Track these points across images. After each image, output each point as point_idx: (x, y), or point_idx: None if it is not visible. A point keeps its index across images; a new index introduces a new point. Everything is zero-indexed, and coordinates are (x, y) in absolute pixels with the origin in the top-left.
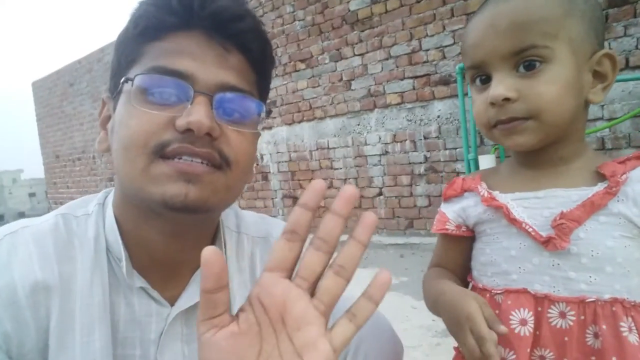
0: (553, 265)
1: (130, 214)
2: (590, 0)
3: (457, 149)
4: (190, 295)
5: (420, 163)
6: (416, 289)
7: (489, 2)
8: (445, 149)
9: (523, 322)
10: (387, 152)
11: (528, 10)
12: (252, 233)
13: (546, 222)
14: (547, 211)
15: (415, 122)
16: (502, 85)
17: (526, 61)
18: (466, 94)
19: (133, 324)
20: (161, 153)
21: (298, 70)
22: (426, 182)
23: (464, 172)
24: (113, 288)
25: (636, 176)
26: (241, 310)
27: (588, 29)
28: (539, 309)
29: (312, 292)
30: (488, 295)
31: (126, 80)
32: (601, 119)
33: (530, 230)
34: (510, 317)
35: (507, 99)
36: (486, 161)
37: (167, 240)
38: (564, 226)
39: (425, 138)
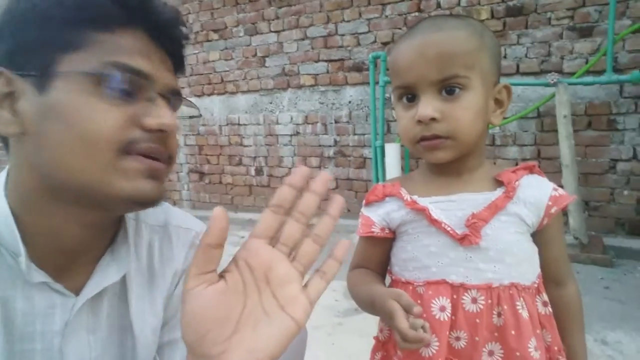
0: (466, 258)
1: (41, 205)
2: (494, 39)
3: (366, 135)
4: (96, 283)
5: (330, 146)
6: None
7: (418, 31)
8: (355, 134)
9: (442, 309)
10: (298, 133)
11: (453, 43)
12: (151, 221)
13: (460, 221)
14: (460, 212)
15: (327, 105)
16: (430, 106)
17: (448, 87)
18: (377, 83)
19: (32, 317)
20: (127, 149)
21: (210, 41)
22: (334, 165)
23: (370, 158)
24: (6, 283)
25: (525, 183)
26: (226, 271)
27: (492, 62)
28: (455, 296)
29: (290, 257)
30: (411, 287)
31: (92, 73)
32: None
33: (448, 229)
34: (431, 305)
35: (433, 119)
36: (392, 149)
37: (82, 231)
38: (476, 224)
39: (336, 122)
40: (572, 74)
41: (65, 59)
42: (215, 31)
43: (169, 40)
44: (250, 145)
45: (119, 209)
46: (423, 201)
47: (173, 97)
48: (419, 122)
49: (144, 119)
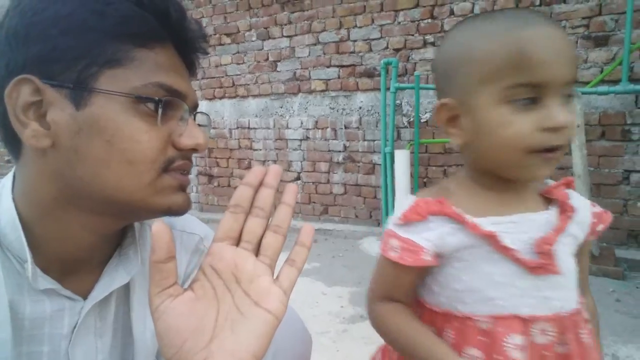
0: (535, 287)
1: (58, 213)
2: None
3: (375, 141)
4: (104, 286)
5: (339, 151)
6: (327, 275)
7: (535, 21)
8: (364, 140)
9: (518, 348)
10: (307, 138)
11: (570, 41)
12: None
13: (526, 246)
14: (524, 235)
15: (337, 110)
16: (564, 112)
17: (569, 90)
18: (388, 89)
19: (41, 320)
20: (166, 168)
21: (223, 44)
22: (343, 171)
23: (380, 164)
24: (14, 287)
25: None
26: (195, 280)
27: None
28: (524, 330)
29: (256, 253)
30: (471, 323)
31: (137, 95)
32: None
33: (520, 257)
34: (504, 344)
35: (564, 127)
36: (401, 155)
37: (94, 238)
38: (550, 251)
39: (346, 127)
40: (585, 83)
41: (105, 75)
42: (227, 35)
43: (194, 55)
44: (260, 149)
45: (149, 218)
46: (485, 223)
47: (194, 111)
48: (547, 129)
49: (179, 139)
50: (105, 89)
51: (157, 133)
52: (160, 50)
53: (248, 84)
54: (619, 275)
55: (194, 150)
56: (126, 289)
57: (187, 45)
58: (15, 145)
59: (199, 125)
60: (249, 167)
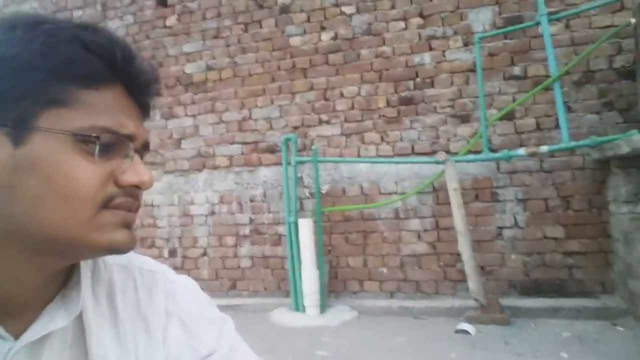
0: None
1: (1, 252)
2: None
3: (280, 213)
4: (40, 327)
5: (245, 224)
6: None
7: None
8: (269, 212)
9: None
10: (213, 213)
11: None
12: (110, 260)
13: None
14: None
15: (242, 185)
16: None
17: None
18: (289, 163)
19: None
20: (106, 205)
21: None
22: (250, 244)
23: (285, 235)
24: None
25: None
26: None
27: None
28: None
29: None
30: None
31: (79, 134)
32: (395, 193)
33: None
34: None
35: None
36: (305, 224)
37: (36, 278)
38: None
39: (251, 201)
40: (456, 153)
41: (47, 114)
42: None
43: (145, 95)
44: (164, 227)
45: (93, 257)
46: None
47: (144, 151)
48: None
49: (121, 176)
50: (45, 127)
51: (97, 170)
52: (108, 91)
53: None
54: (505, 322)
55: (137, 187)
56: (78, 329)
57: (137, 87)
58: None
59: (150, 164)
60: (152, 245)
